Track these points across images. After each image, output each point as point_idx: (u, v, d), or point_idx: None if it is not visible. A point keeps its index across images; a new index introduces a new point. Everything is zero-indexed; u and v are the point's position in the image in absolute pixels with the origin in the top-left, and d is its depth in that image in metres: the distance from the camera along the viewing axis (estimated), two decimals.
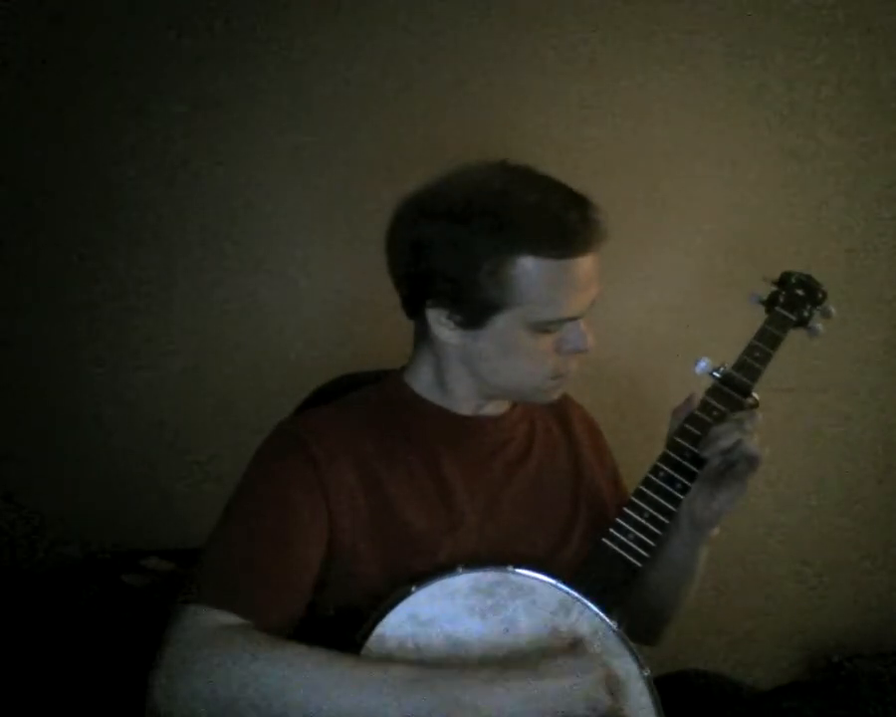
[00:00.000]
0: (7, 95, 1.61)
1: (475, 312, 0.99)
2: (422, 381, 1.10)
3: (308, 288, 1.77)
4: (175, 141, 1.68)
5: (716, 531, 1.08)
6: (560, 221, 0.97)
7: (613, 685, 0.88)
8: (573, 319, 1.01)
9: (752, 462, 0.99)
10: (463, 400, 1.09)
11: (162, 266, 1.72)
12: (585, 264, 0.99)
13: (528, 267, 0.96)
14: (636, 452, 1.16)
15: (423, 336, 1.08)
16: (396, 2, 1.73)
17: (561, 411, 1.21)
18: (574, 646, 0.91)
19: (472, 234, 0.97)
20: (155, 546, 1.65)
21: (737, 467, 1.01)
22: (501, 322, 0.99)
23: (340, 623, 0.93)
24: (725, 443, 0.99)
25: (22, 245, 1.66)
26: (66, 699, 1.39)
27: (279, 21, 1.69)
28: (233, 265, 1.74)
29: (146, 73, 1.66)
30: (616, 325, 1.74)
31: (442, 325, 1.02)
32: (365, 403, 1.11)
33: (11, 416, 1.67)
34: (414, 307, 1.05)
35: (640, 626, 1.15)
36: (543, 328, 0.99)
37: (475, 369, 1.05)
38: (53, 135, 1.64)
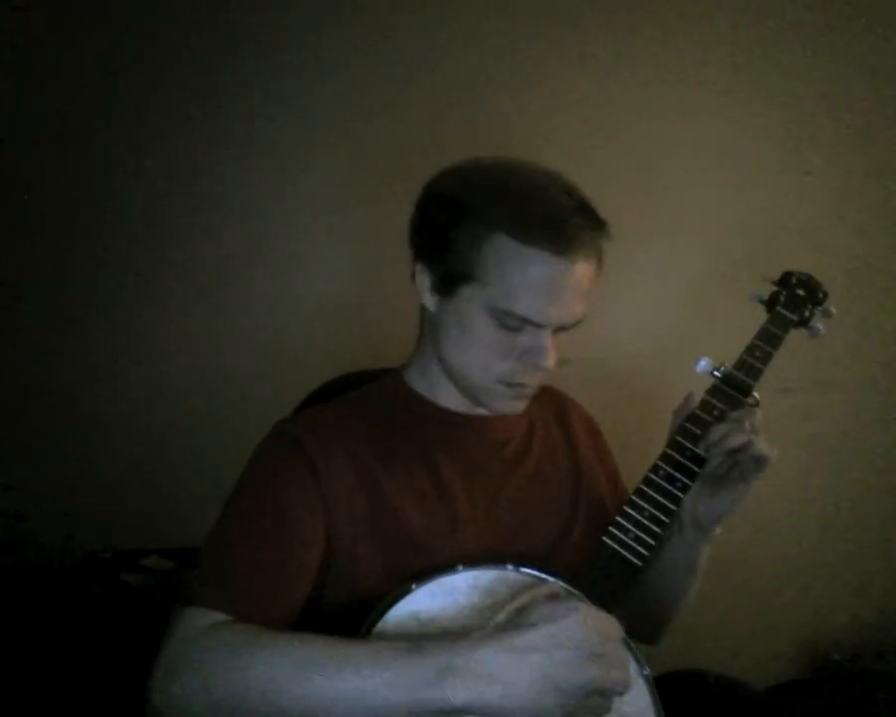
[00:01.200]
0: (7, 94, 1.61)
1: (446, 276, 1.00)
2: (420, 379, 1.10)
3: (308, 287, 1.77)
4: (175, 142, 1.68)
5: (718, 530, 1.07)
6: (550, 212, 0.96)
7: (602, 627, 0.83)
8: (536, 325, 0.98)
9: (760, 462, 0.98)
10: (448, 393, 1.08)
11: (162, 266, 1.72)
12: (565, 271, 0.96)
13: (500, 245, 0.96)
14: (637, 452, 1.16)
15: (422, 325, 1.09)
16: (398, 3, 1.73)
17: (561, 411, 1.21)
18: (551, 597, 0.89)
19: (467, 198, 0.98)
20: (155, 545, 1.65)
21: (743, 467, 1.00)
22: (465, 295, 0.99)
23: (341, 622, 0.92)
24: (733, 443, 0.98)
25: (21, 245, 1.66)
26: (66, 698, 1.39)
27: (282, 20, 1.69)
28: (233, 265, 1.74)
29: (147, 72, 1.66)
30: (617, 325, 1.74)
31: (426, 288, 1.03)
32: (364, 402, 1.11)
33: (11, 416, 1.67)
34: (413, 269, 1.06)
35: (641, 625, 1.15)
36: (501, 318, 0.97)
37: (438, 345, 1.05)
38: (53, 135, 1.64)
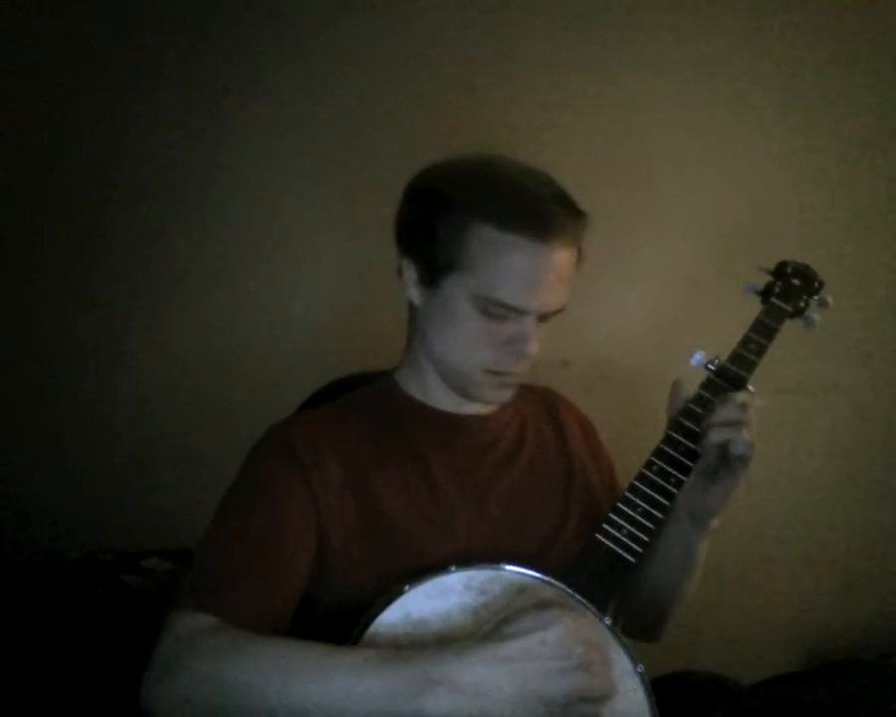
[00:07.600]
0: (8, 92, 1.61)
1: (431, 267, 1.01)
2: (411, 380, 1.10)
3: (307, 289, 1.78)
4: (175, 142, 1.69)
5: (715, 523, 1.06)
6: (527, 200, 0.98)
7: (585, 636, 0.83)
8: (519, 312, 0.99)
9: (741, 459, 0.98)
10: (438, 391, 1.08)
11: (162, 267, 1.72)
12: (544, 257, 0.97)
13: (483, 233, 0.97)
14: (633, 449, 1.15)
15: (410, 325, 1.09)
16: (397, 5, 1.72)
17: (553, 410, 1.21)
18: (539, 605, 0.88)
19: (448, 190, 1.00)
20: (155, 546, 1.65)
21: (729, 461, 0.99)
22: (449, 285, 1.00)
23: (335, 623, 0.92)
24: (716, 438, 0.98)
25: (21, 247, 1.66)
26: (66, 699, 1.39)
27: (282, 21, 1.69)
28: (232, 266, 1.74)
29: (148, 73, 1.66)
30: (611, 320, 1.73)
31: (412, 282, 1.04)
32: (356, 404, 1.11)
33: (12, 417, 1.68)
34: (400, 265, 1.07)
35: (641, 622, 1.16)
36: (485, 305, 0.98)
37: (424, 338, 1.05)
38: (52, 134, 1.65)
